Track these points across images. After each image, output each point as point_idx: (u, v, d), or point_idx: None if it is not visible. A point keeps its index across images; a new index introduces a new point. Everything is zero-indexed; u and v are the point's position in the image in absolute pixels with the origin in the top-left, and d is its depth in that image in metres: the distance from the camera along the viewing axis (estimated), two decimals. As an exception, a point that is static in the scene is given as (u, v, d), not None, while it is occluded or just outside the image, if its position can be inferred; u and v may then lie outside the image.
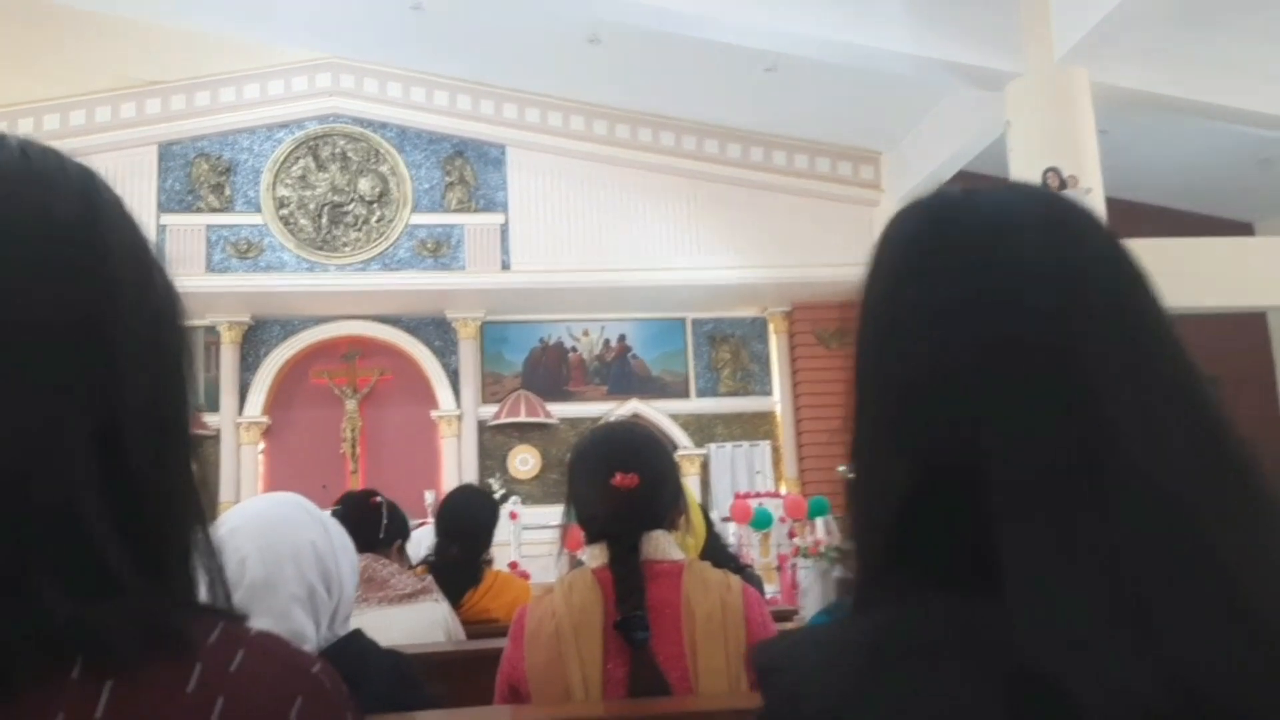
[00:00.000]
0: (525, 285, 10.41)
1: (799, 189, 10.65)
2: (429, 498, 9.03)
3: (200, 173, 10.10)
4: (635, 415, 10.69)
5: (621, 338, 11.41)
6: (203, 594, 0.56)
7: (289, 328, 10.61)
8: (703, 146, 10.59)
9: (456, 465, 10.66)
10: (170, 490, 0.54)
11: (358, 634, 1.57)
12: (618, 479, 1.63)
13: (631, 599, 1.58)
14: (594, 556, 1.68)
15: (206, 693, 0.48)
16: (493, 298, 10.64)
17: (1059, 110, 7.54)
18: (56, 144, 0.57)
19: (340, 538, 1.54)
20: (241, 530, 1.40)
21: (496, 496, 9.52)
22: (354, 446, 10.77)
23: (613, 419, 9.42)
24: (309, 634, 1.43)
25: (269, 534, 1.43)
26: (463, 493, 3.52)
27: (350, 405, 10.87)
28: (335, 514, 1.63)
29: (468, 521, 3.13)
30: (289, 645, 0.55)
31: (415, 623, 2.40)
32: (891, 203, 10.20)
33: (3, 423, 0.48)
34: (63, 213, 0.52)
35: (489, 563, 3.25)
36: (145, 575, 0.51)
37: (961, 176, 9.13)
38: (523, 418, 10.86)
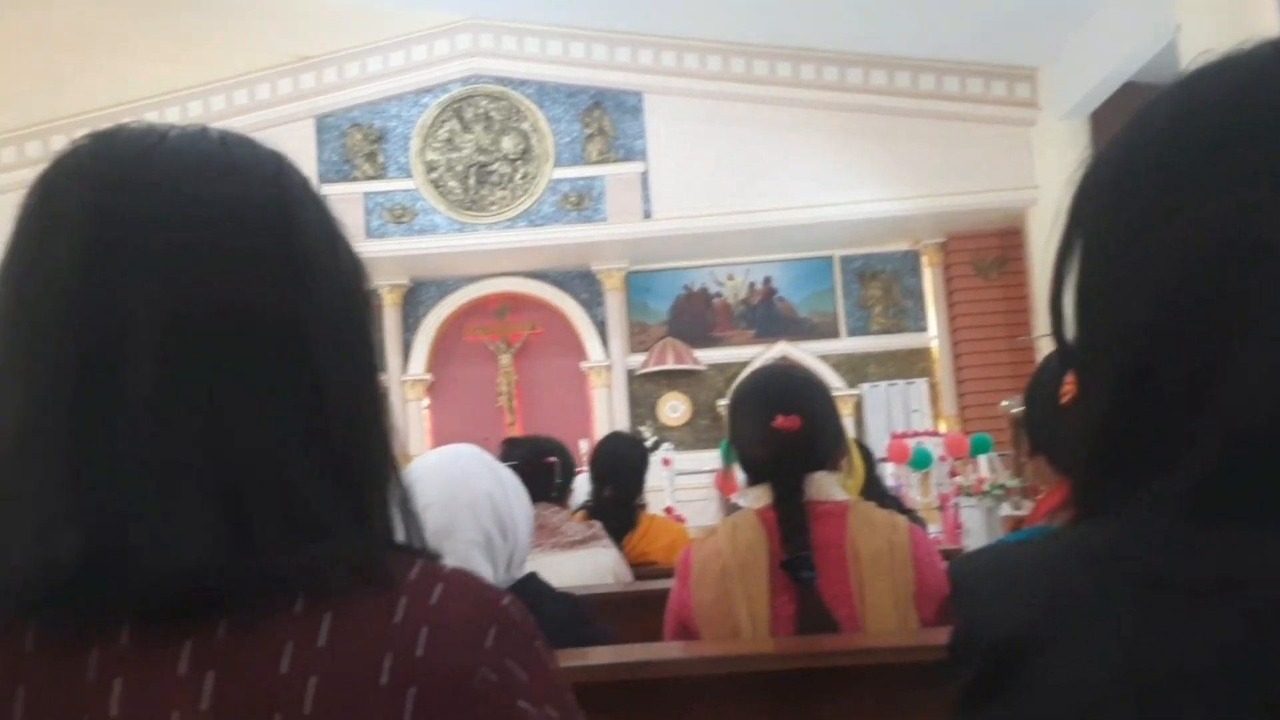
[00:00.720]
0: (667, 233, 10.40)
1: (950, 113, 10.16)
2: (583, 447, 9.25)
3: (354, 142, 10.51)
4: (783, 358, 10.59)
5: (767, 280, 11.28)
6: (399, 536, 0.60)
7: (444, 288, 10.98)
8: (845, 77, 10.24)
9: (608, 415, 10.85)
10: (366, 443, 0.59)
11: (533, 576, 1.64)
12: (779, 421, 1.64)
13: (796, 539, 1.59)
14: (757, 498, 1.69)
15: (412, 623, 0.52)
16: (636, 247, 10.68)
17: (1237, 9, 6.90)
18: (223, 124, 0.60)
19: (515, 488, 1.62)
20: (424, 480, 1.49)
21: (648, 444, 9.64)
22: (510, 400, 11.10)
23: (769, 362, 9.35)
24: (487, 576, 1.50)
25: (449, 484, 1.51)
26: (613, 439, 3.60)
27: (505, 360, 11.19)
28: (512, 467, 1.71)
29: (620, 466, 3.21)
30: (481, 580, 0.58)
31: (585, 567, 2.48)
32: (1050, 121, 9.62)
33: (220, 389, 0.53)
34: (259, 196, 0.57)
35: (643, 507, 3.31)
36: (349, 520, 0.55)
37: (1129, 90, 8.50)
38: (670, 365, 10.93)
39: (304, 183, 0.61)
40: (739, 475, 1.97)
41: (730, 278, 11.28)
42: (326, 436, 0.56)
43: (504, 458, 2.37)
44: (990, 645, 0.48)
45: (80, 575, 0.49)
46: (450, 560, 0.56)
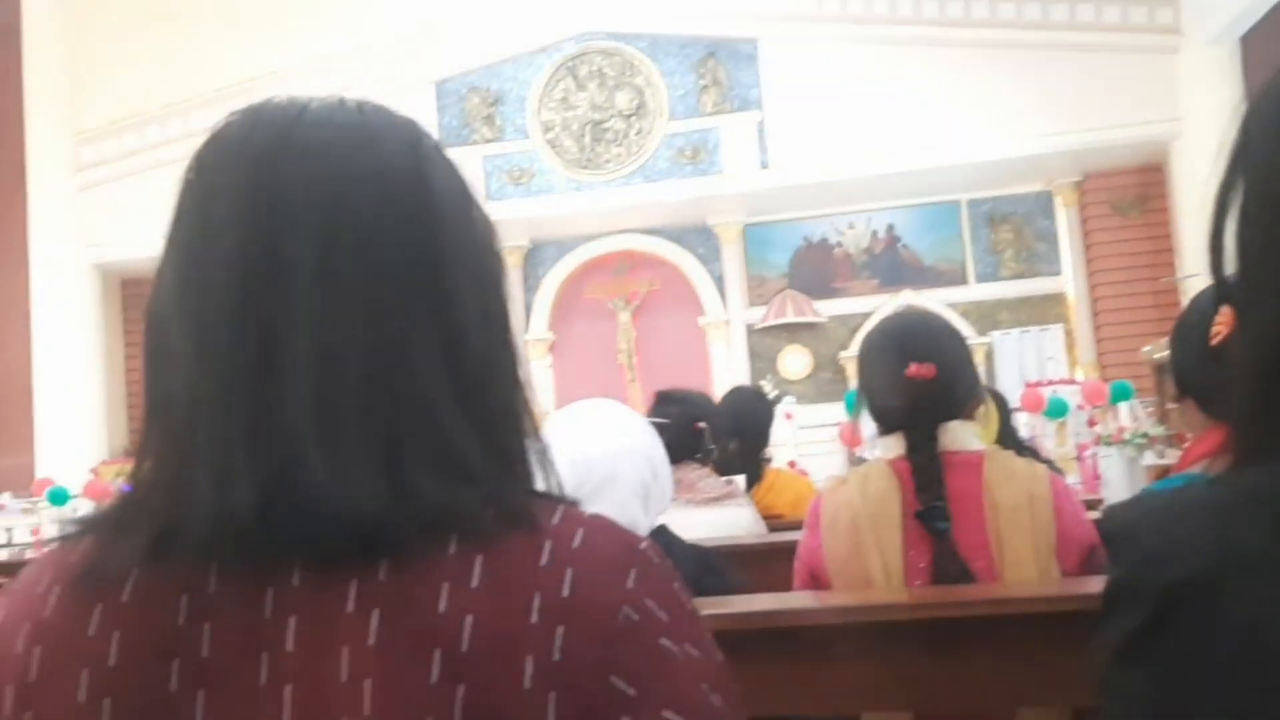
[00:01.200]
0: (785, 183, 10.22)
1: (1085, 44, 9.60)
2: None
3: (472, 106, 10.67)
4: (908, 307, 10.34)
5: (890, 228, 10.99)
6: (539, 484, 0.63)
7: (563, 247, 11.10)
8: (970, 11, 9.79)
9: (727, 370, 10.82)
10: (505, 395, 0.61)
11: (663, 528, 1.67)
12: (913, 369, 1.60)
13: (931, 489, 1.56)
14: (889, 448, 1.66)
15: (557, 566, 0.54)
16: (753, 200, 10.55)
17: None
18: (345, 94, 0.63)
19: (657, 438, 1.65)
20: (587, 431, 1.54)
21: (770, 398, 9.59)
22: (630, 357, 11.19)
23: (901, 310, 9.14)
24: (643, 523, 1.57)
25: (613, 435, 1.57)
26: (739, 392, 3.61)
27: (623, 317, 11.27)
28: (663, 426, 1.75)
29: (746, 419, 3.20)
30: (618, 525, 0.60)
31: (720, 524, 2.50)
32: (1195, 48, 8.98)
33: (374, 345, 0.56)
34: (397, 162, 0.59)
35: (768, 461, 3.30)
36: (494, 467, 0.58)
37: (1283, 7, 7.86)
38: (790, 318, 10.80)
39: (437, 147, 0.63)
40: (866, 427, 1.94)
41: (851, 227, 11.04)
42: (469, 388, 0.58)
43: (655, 413, 2.41)
44: (1162, 590, 0.47)
45: (255, 523, 0.53)
46: (611, 508, 0.60)
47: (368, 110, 0.62)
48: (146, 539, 0.55)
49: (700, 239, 11.10)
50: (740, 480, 2.74)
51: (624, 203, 10.50)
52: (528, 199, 10.52)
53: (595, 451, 1.54)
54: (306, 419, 0.54)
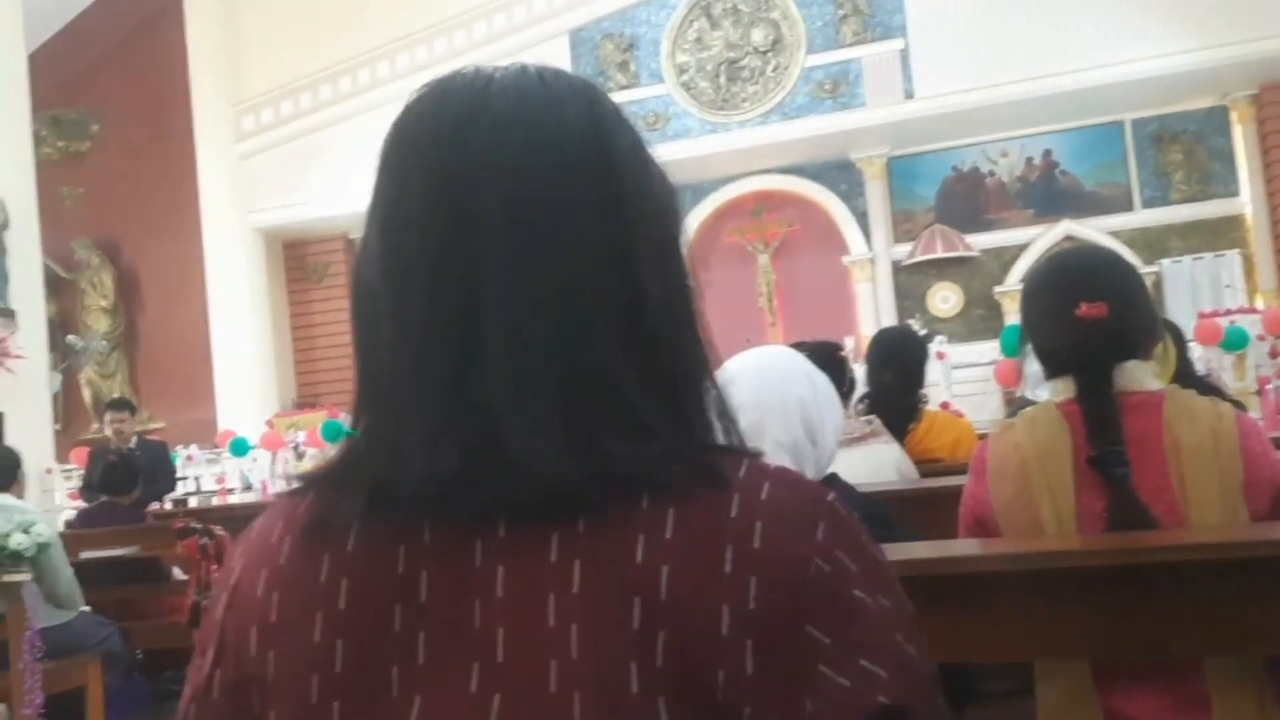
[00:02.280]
0: (932, 112, 9.81)
1: (1263, -59, 8.77)
2: (849, 344, 9.09)
3: (606, 54, 10.65)
4: (1068, 237, 9.81)
5: (1047, 153, 10.41)
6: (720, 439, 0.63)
7: (699, 191, 11.02)
8: (1128, -89, 9.08)
9: (873, 309, 10.58)
10: (684, 351, 0.62)
11: (834, 477, 1.64)
12: (1084, 309, 1.51)
13: (1106, 434, 1.47)
14: (1058, 391, 1.57)
15: (747, 518, 0.56)
16: (897, 131, 10.18)
17: None
18: (476, 54, 0.63)
19: (826, 393, 1.61)
20: (736, 382, 1.52)
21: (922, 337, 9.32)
22: (770, 300, 11.08)
23: (1068, 245, 8.70)
24: None
25: (761, 387, 1.53)
26: (890, 329, 3.52)
27: (763, 260, 11.14)
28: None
29: (898, 352, 3.12)
30: (804, 477, 0.62)
31: (864, 464, 2.45)
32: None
33: (560, 307, 0.58)
34: (577, 125, 0.61)
35: (924, 401, 3.21)
36: (675, 424, 0.59)
37: None
38: (940, 254, 10.44)
39: (615, 110, 0.64)
40: (1029, 365, 1.86)
41: (1004, 154, 10.52)
42: (652, 348, 0.60)
43: None
44: None
45: (460, 481, 0.56)
46: None
47: (548, 77, 0.64)
48: (365, 494, 0.58)
49: (842, 175, 10.81)
50: (878, 421, 2.67)
51: (761, 142, 10.32)
52: (663, 144, 10.42)
53: (744, 403, 1.51)
54: (500, 386, 0.57)
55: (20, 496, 4.19)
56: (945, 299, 10.63)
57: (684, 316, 0.63)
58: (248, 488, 9.33)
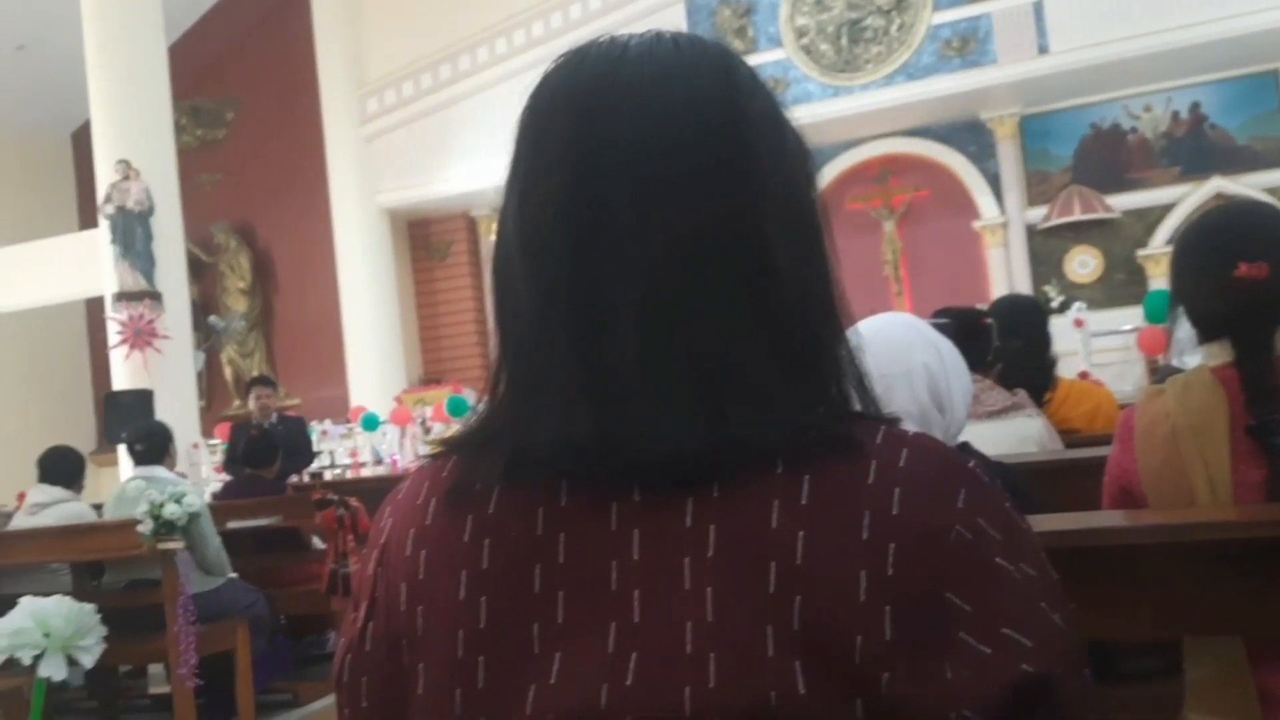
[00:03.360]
0: (1068, 67, 9.33)
1: None
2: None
3: (723, 20, 10.51)
4: (1218, 195, 9.20)
5: (1194, 106, 9.77)
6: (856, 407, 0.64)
7: (820, 157, 10.39)
8: None
9: (1005, 275, 10.18)
10: (817, 321, 0.62)
11: (965, 446, 1.59)
12: (1243, 270, 1.41)
13: (1267, 401, 1.38)
14: (1212, 355, 1.47)
15: (884, 485, 0.55)
16: (1030, 88, 9.72)
17: None
18: (592, 26, 0.61)
19: (954, 361, 1.57)
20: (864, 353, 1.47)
21: (1054, 305, 8.94)
22: (896, 268, 10.80)
23: (1224, 203, 8.19)
24: None
25: (884, 354, 1.48)
26: (1006, 299, 3.42)
27: (888, 227, 10.85)
28: (942, 329, 1.63)
29: (1021, 317, 3.00)
30: (943, 444, 0.60)
31: (1008, 436, 2.35)
32: None
33: (689, 279, 0.58)
34: (710, 92, 0.61)
35: (1053, 364, 3.08)
36: (808, 392, 0.60)
37: None
38: (1077, 216, 9.95)
39: (750, 74, 0.64)
40: (1179, 331, 1.74)
41: (1147, 109, 9.92)
42: (784, 318, 0.60)
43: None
44: None
45: (594, 448, 0.57)
46: None
47: (682, 43, 0.64)
48: (504, 459, 0.60)
49: (971, 136, 10.40)
50: (1023, 393, 2.55)
51: (886, 105, 10.02)
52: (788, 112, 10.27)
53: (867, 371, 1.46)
54: (631, 357, 0.57)
55: (171, 469, 4.43)
56: (1084, 264, 10.14)
57: (818, 283, 0.63)
58: (379, 461, 9.70)
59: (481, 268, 12.74)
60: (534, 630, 0.58)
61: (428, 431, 9.50)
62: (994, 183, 10.32)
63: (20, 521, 4.19)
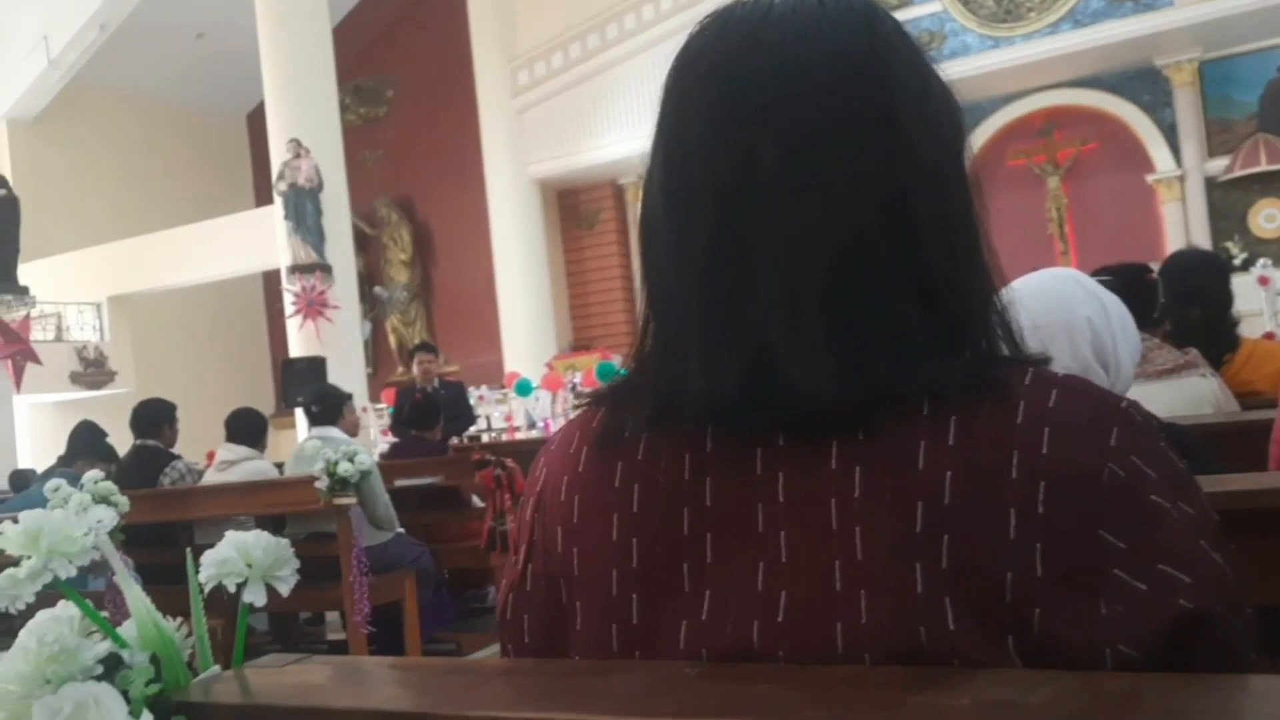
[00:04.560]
0: (1252, 6, 8.59)
1: None
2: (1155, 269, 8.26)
3: (874, -27, 10.18)
4: None
5: (1403, 41, 8.86)
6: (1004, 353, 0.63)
7: (978, 112, 10.34)
8: None
9: (1182, 231, 9.53)
10: (962, 271, 0.62)
11: (1133, 405, 1.51)
12: None
13: None
14: None
15: (1034, 424, 0.55)
16: (1211, 30, 9.01)
17: None
18: None
19: (1120, 316, 1.50)
20: (1018, 303, 1.42)
21: (1236, 262, 8.33)
22: (1061, 226, 10.28)
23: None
24: None
25: (1045, 308, 1.44)
26: (1183, 254, 3.18)
27: (1052, 183, 10.33)
28: (1104, 284, 1.56)
29: (1200, 282, 2.81)
30: (1094, 385, 0.59)
31: (1177, 397, 2.22)
32: None
33: (832, 230, 0.58)
34: (853, 47, 0.61)
35: (1235, 325, 2.87)
36: (953, 340, 0.60)
37: None
38: (1264, 166, 9.20)
39: (895, 28, 0.64)
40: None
41: (1348, 45, 9.06)
42: (927, 266, 0.60)
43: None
44: None
45: (739, 396, 0.58)
46: None
47: (827, 0, 0.64)
48: (651, 408, 0.63)
49: (1144, 84, 9.74)
50: (1194, 352, 2.39)
51: (1050, 54, 9.49)
52: (939, 64, 9.88)
53: (1025, 325, 1.40)
54: (775, 308, 0.58)
55: (352, 433, 4.71)
56: (1270, 217, 9.39)
57: (964, 235, 0.62)
58: (532, 425, 9.98)
59: (628, 235, 12.86)
60: (684, 570, 0.60)
61: (578, 396, 9.71)
62: (1169, 133, 9.65)
63: (211, 477, 4.54)
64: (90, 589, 3.79)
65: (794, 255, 0.58)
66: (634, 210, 12.66)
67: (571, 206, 13.21)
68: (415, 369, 6.75)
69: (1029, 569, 0.52)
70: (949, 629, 0.52)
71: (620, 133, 11.42)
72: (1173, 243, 9.40)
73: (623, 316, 12.71)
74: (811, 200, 0.59)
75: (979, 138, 10.40)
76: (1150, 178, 9.79)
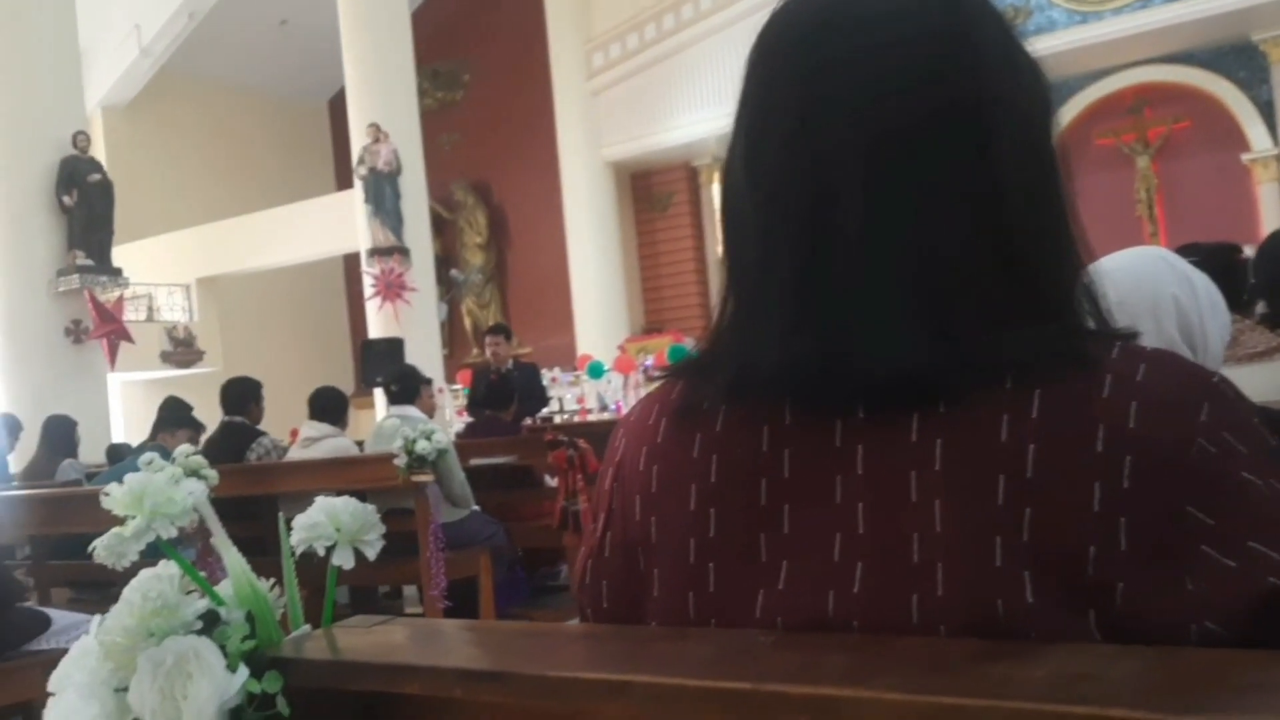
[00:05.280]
0: (1362, -26, 8.18)
1: None
2: (1247, 251, 7.94)
3: (955, -52, 9.94)
4: None
5: None
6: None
7: (1065, 90, 10.03)
8: None
9: (1279, 212, 9.13)
10: (1050, 241, 0.62)
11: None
12: None
13: None
14: None
15: (1121, 399, 0.54)
16: (1315, 1, 8.60)
17: None
18: None
19: (1209, 295, 1.45)
20: (1103, 280, 1.39)
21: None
22: (1150, 207, 9.95)
23: None
24: None
25: (1131, 286, 1.40)
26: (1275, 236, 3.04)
27: (1141, 162, 9.99)
28: (1193, 264, 1.52)
29: None
30: (1184, 359, 0.59)
31: (1270, 382, 2.14)
32: None
33: (916, 204, 0.59)
34: (937, 22, 0.62)
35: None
36: (1037, 312, 0.59)
37: None
38: (1371, 143, 8.77)
39: (981, 4, 0.64)
40: None
41: None
42: (1012, 238, 0.60)
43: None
44: None
45: (816, 370, 0.59)
46: None
47: None
48: (728, 381, 0.63)
49: (1240, 60, 9.34)
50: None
51: (1141, 29, 9.16)
52: (1025, 40, 9.61)
53: (1109, 303, 1.37)
54: (856, 279, 0.59)
55: (429, 413, 4.80)
56: (1376, 198, 8.95)
57: (1050, 208, 0.62)
58: (604, 408, 10.05)
59: (702, 217, 12.81)
60: (761, 540, 0.60)
61: (650, 379, 9.74)
62: (1266, 111, 9.25)
63: (294, 454, 4.68)
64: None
65: (877, 223, 0.58)
66: (708, 192, 12.60)
67: (645, 189, 13.20)
68: (487, 351, 6.84)
69: (1113, 543, 0.52)
70: (1027, 602, 0.52)
71: (695, 114, 11.35)
72: (1268, 224, 9.01)
73: (695, 299, 12.69)
74: (895, 171, 0.59)
75: (1065, 116, 10.02)
76: (1245, 157, 9.41)
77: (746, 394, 0.63)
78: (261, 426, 4.89)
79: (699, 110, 11.29)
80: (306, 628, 0.65)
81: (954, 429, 0.56)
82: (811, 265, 0.60)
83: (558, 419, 9.04)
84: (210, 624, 0.61)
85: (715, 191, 13.25)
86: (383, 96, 10.16)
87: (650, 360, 10.04)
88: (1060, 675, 0.45)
